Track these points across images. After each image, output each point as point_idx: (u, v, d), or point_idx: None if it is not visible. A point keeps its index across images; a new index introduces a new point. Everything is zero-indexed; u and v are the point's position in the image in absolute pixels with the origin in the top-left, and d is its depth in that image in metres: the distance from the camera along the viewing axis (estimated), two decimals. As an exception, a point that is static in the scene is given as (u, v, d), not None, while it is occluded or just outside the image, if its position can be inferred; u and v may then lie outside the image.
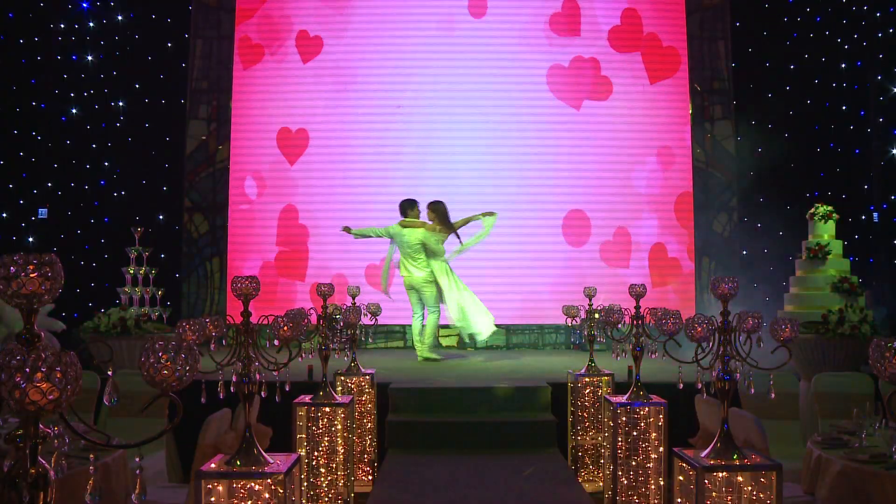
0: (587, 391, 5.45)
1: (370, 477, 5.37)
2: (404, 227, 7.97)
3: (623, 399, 4.52)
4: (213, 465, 2.86)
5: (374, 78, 10.02)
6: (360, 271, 9.61)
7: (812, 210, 7.86)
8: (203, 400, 3.07)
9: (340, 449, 4.55)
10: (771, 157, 9.95)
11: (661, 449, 4.43)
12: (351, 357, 5.52)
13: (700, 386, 3.46)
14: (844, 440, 3.90)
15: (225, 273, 9.92)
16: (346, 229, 8.21)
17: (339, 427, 4.54)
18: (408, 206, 8.06)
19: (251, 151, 10.04)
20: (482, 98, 9.93)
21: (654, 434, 4.45)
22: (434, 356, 7.95)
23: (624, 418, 4.47)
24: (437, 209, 8.00)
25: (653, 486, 4.45)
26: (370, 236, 8.21)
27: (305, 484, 4.38)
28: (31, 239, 9.63)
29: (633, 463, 4.46)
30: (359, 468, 5.34)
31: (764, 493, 3.00)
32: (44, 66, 9.88)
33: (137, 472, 1.78)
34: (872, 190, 9.91)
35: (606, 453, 4.73)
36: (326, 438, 4.52)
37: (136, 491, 1.76)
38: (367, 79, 10.02)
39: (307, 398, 4.61)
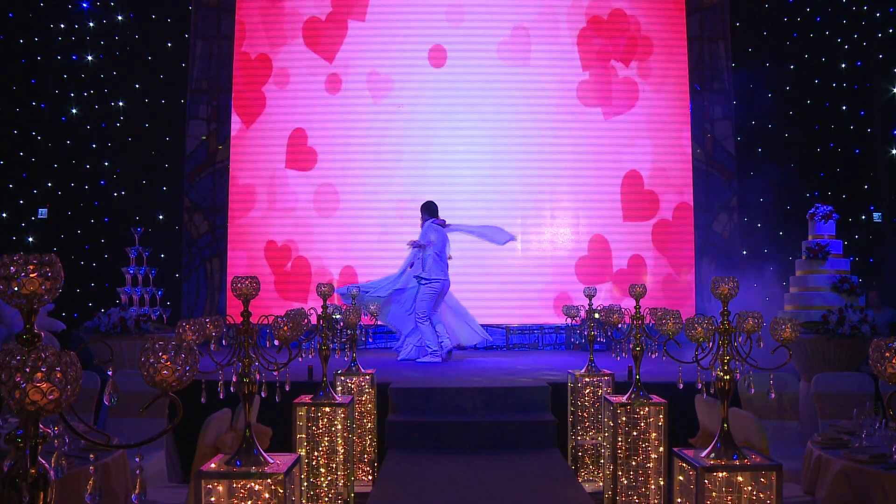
0: (587, 391, 5.45)
1: (370, 477, 5.36)
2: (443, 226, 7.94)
3: (623, 399, 4.51)
4: (213, 465, 2.86)
5: (374, 78, 10.01)
6: (360, 271, 9.61)
7: (812, 210, 7.85)
8: (203, 400, 3.06)
9: (340, 449, 4.54)
10: (771, 156, 9.94)
11: (661, 449, 4.43)
12: (351, 357, 5.52)
13: (700, 386, 3.46)
14: (844, 440, 3.90)
15: (225, 273, 9.91)
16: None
17: (339, 427, 4.53)
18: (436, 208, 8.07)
19: (251, 151, 10.04)
20: (482, 100, 9.92)
21: (654, 434, 4.45)
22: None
23: (624, 418, 4.46)
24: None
25: (653, 486, 4.44)
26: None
27: (305, 484, 4.37)
28: (31, 239, 9.63)
29: (633, 463, 4.45)
30: (359, 468, 5.33)
31: (764, 493, 2.99)
32: (44, 66, 9.88)
33: (137, 472, 1.78)
34: (872, 190, 9.90)
35: (606, 453, 4.73)
36: (326, 438, 4.51)
37: (136, 491, 1.76)
38: (368, 79, 10.02)
39: (307, 398, 4.61)
